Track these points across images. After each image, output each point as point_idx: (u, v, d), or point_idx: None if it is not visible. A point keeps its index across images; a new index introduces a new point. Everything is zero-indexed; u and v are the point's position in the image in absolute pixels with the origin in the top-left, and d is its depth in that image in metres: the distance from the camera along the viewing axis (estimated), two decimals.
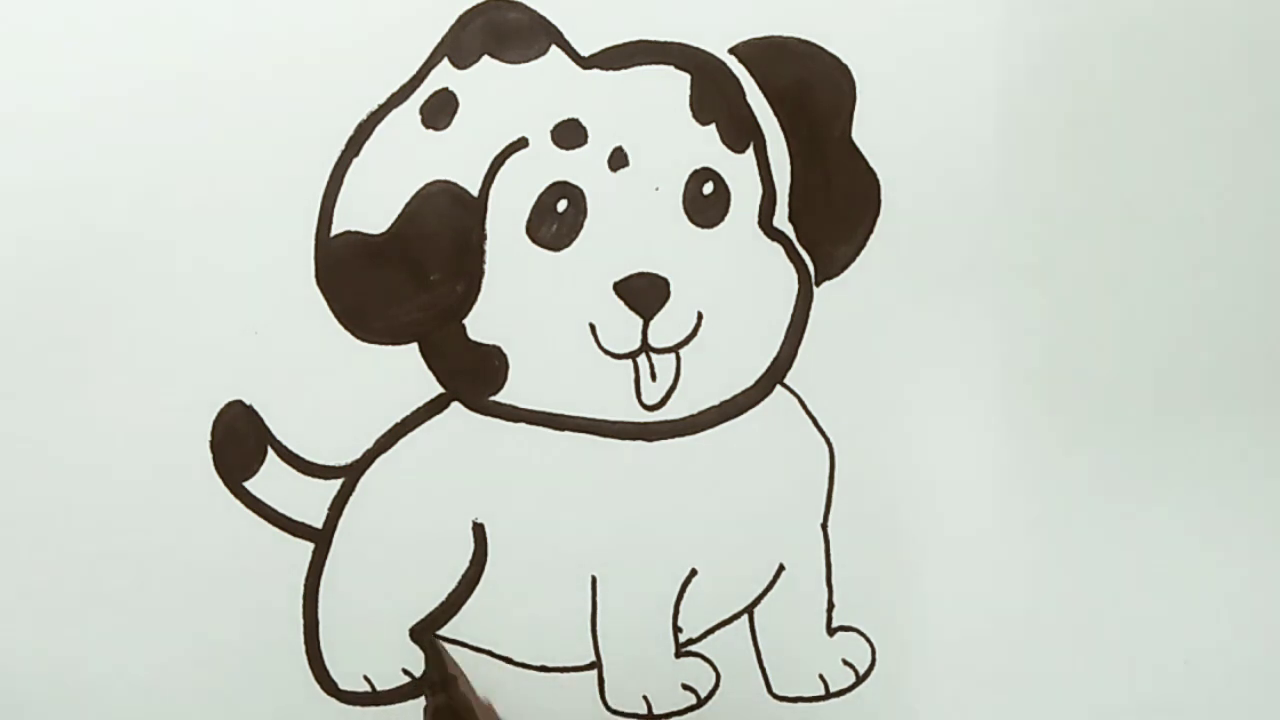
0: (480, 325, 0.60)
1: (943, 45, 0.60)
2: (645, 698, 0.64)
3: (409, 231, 0.59)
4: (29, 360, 0.60)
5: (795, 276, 0.61)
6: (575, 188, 0.59)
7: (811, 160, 0.61)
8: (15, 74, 0.58)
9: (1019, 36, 0.60)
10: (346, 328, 0.60)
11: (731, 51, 0.60)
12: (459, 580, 0.62)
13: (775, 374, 0.62)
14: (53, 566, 0.61)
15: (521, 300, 0.60)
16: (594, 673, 0.63)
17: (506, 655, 0.63)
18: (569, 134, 0.59)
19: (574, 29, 0.59)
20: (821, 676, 0.64)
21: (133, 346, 0.60)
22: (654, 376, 0.61)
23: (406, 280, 0.60)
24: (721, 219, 0.60)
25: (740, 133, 0.60)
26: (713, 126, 0.60)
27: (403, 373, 0.60)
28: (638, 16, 0.59)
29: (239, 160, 0.59)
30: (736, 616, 0.64)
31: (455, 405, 0.61)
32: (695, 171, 0.60)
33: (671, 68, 0.60)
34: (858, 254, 0.61)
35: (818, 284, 0.61)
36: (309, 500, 0.61)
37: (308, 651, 0.62)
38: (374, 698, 0.63)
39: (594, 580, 0.63)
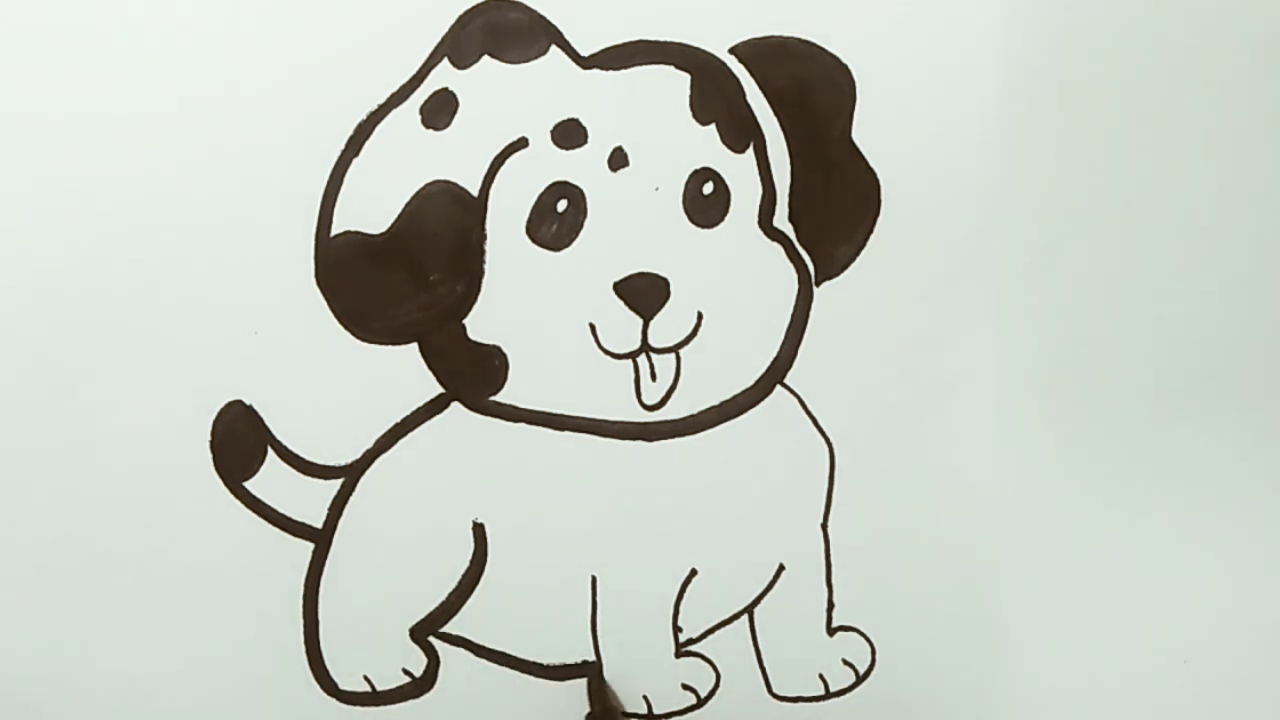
0: (480, 325, 0.60)
1: (943, 45, 0.60)
2: (645, 698, 0.64)
3: (409, 231, 0.59)
4: (29, 361, 0.60)
5: (795, 276, 0.61)
6: (575, 188, 0.59)
7: (811, 160, 0.61)
8: (15, 75, 0.58)
9: (1019, 36, 0.60)
10: (346, 328, 0.60)
11: (731, 51, 0.60)
12: (459, 580, 0.62)
13: (775, 374, 0.62)
14: (53, 566, 0.61)
15: (521, 300, 0.60)
16: (594, 672, 0.63)
17: (507, 655, 0.63)
18: (569, 134, 0.59)
19: (574, 29, 0.59)
20: (821, 676, 0.64)
21: (133, 346, 0.60)
22: (654, 376, 0.61)
23: (406, 280, 0.60)
24: (721, 219, 0.60)
25: (740, 133, 0.60)
26: (713, 126, 0.60)
27: (403, 373, 0.60)
28: (638, 16, 0.59)
29: (239, 160, 0.59)
30: (736, 616, 0.64)
31: (455, 405, 0.61)
32: (695, 171, 0.60)
33: (671, 68, 0.60)
34: (858, 254, 0.61)
35: (818, 284, 0.61)
36: (309, 500, 0.61)
37: (308, 651, 0.62)
38: (374, 698, 0.63)
39: (594, 580, 0.63)
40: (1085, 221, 0.62)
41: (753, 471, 0.62)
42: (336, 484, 0.61)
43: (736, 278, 0.61)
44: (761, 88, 0.60)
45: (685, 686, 0.64)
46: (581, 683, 0.63)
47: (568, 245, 0.60)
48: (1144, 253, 0.62)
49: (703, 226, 0.60)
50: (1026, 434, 0.63)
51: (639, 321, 0.60)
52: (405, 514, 0.62)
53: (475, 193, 0.59)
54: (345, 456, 0.61)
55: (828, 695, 0.64)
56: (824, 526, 0.63)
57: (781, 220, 0.61)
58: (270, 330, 0.60)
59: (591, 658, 0.63)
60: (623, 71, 0.59)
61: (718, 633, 0.64)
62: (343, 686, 0.63)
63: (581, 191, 0.59)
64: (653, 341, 0.60)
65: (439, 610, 0.62)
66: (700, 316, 0.60)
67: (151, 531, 0.61)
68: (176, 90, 0.59)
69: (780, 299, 0.61)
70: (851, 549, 0.63)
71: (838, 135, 0.61)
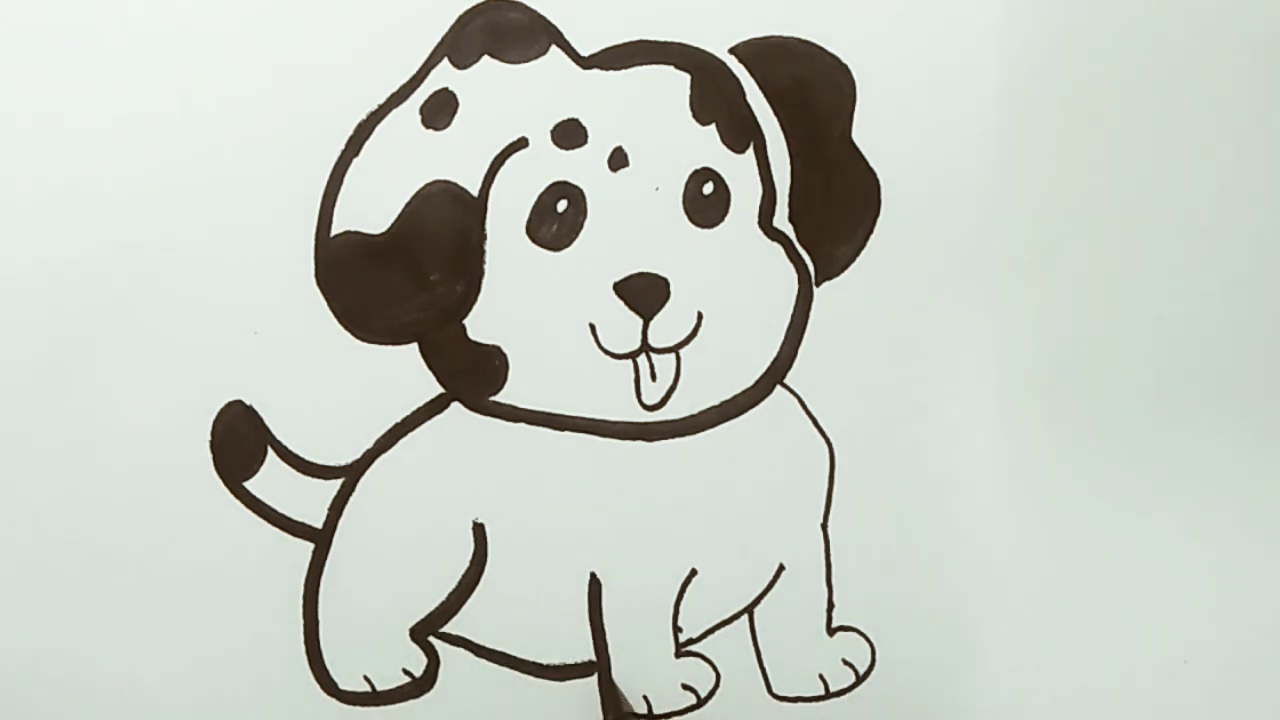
0: (480, 325, 0.60)
1: (943, 45, 0.60)
2: (645, 698, 0.64)
3: (409, 231, 0.59)
4: (29, 360, 0.60)
5: (795, 276, 0.61)
6: (575, 188, 0.59)
7: (811, 160, 0.61)
8: (15, 75, 0.58)
9: (1019, 36, 0.60)
10: (346, 328, 0.60)
11: (731, 51, 0.60)
12: (459, 580, 0.62)
13: (775, 374, 0.62)
14: (53, 566, 0.61)
15: (521, 300, 0.60)
16: (594, 672, 0.63)
17: (507, 655, 0.63)
18: (569, 134, 0.59)
19: (574, 29, 0.59)
20: (821, 676, 0.64)
21: (133, 346, 0.60)
22: (654, 376, 0.61)
23: (406, 280, 0.60)
24: (721, 219, 0.60)
25: (740, 133, 0.60)
26: (713, 126, 0.60)
27: (403, 373, 0.60)
28: (638, 16, 0.59)
29: (239, 160, 0.59)
30: (736, 616, 0.64)
31: (455, 405, 0.61)
32: (695, 171, 0.60)
33: (671, 68, 0.60)
34: (858, 254, 0.61)
35: (818, 284, 0.61)
36: (309, 500, 0.61)
37: (308, 651, 0.62)
38: (374, 698, 0.63)
39: (594, 580, 0.63)
40: (1085, 221, 0.62)
41: (753, 471, 0.62)
42: (336, 484, 0.61)
43: (736, 278, 0.61)
44: (761, 88, 0.60)
45: (685, 686, 0.64)
46: (581, 682, 0.63)
47: (568, 245, 0.60)
48: (1144, 252, 0.62)
49: (703, 226, 0.60)
50: (1026, 434, 0.63)
51: (639, 321, 0.60)
52: (405, 514, 0.62)
53: (475, 193, 0.59)
54: (345, 456, 0.61)
55: (828, 695, 0.64)
56: (824, 526, 0.63)
57: (781, 220, 0.61)
58: (270, 330, 0.60)
59: (591, 658, 0.63)
60: (623, 71, 0.59)
61: (718, 633, 0.64)
62: (343, 686, 0.63)
63: (581, 191, 0.59)
64: (653, 341, 0.60)
65: (439, 610, 0.62)
66: (700, 316, 0.60)
67: (151, 531, 0.61)
68: (176, 90, 0.59)
69: (780, 299, 0.61)
70: (851, 549, 0.63)
71: (838, 135, 0.61)
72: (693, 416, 0.62)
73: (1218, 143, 0.61)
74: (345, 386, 0.60)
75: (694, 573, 0.63)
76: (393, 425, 0.61)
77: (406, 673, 0.63)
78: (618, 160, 0.59)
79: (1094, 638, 0.64)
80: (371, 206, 0.59)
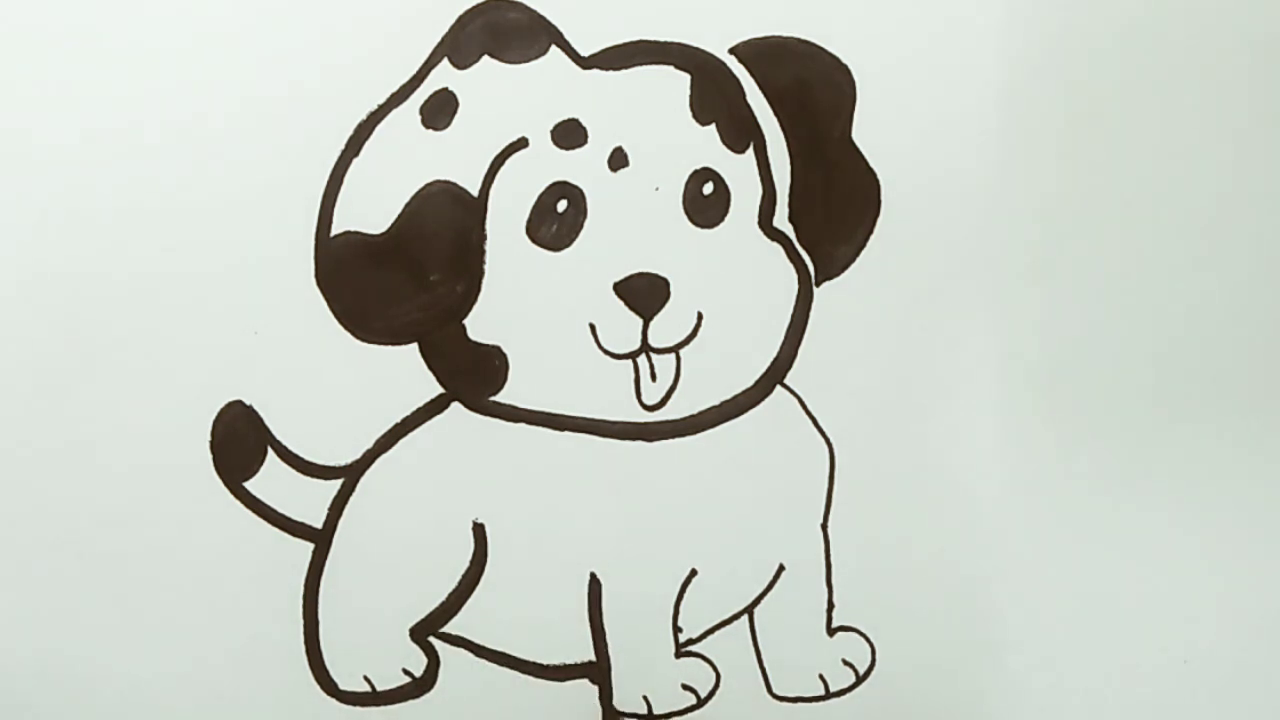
0: (480, 325, 0.60)
1: (943, 46, 0.60)
2: (645, 698, 0.64)
3: (409, 231, 0.59)
4: (30, 361, 0.60)
5: (795, 276, 0.61)
6: (575, 188, 0.59)
7: (811, 160, 0.61)
8: (16, 75, 0.58)
9: (1019, 36, 0.60)
10: (346, 328, 0.60)
11: (731, 51, 0.60)
12: (459, 580, 0.62)
13: (775, 374, 0.62)
14: (53, 567, 0.61)
15: (521, 300, 0.60)
16: (594, 672, 0.63)
17: (507, 655, 0.63)
18: (569, 134, 0.59)
19: (574, 29, 0.59)
20: (821, 676, 0.64)
21: (133, 346, 0.60)
22: (654, 376, 0.61)
23: (406, 280, 0.60)
24: (721, 219, 0.60)
25: (740, 133, 0.60)
26: (713, 126, 0.60)
27: (403, 373, 0.60)
28: (638, 16, 0.59)
29: (239, 160, 0.59)
30: (736, 616, 0.64)
31: (455, 405, 0.61)
32: (695, 171, 0.60)
33: (671, 68, 0.60)
34: (858, 254, 0.61)
35: (818, 284, 0.61)
36: (309, 500, 0.61)
37: (308, 651, 0.62)
38: (374, 698, 0.63)
39: (594, 580, 0.63)
40: (1085, 221, 0.62)
41: (753, 471, 0.62)
42: (336, 484, 0.61)
43: (736, 278, 0.61)
44: (761, 88, 0.60)
45: (685, 686, 0.64)
46: (582, 683, 0.63)
47: (568, 245, 0.60)
48: (1144, 252, 0.62)
49: (703, 226, 0.60)
50: (1026, 434, 0.63)
51: (639, 321, 0.60)
52: (405, 514, 0.62)
53: (475, 193, 0.59)
54: (345, 456, 0.61)
55: (828, 695, 0.64)
56: (824, 527, 0.63)
57: (781, 220, 0.61)
58: (270, 330, 0.60)
59: (591, 658, 0.63)
60: (623, 71, 0.59)
61: (718, 633, 0.64)
62: (343, 686, 0.63)
63: (581, 191, 0.59)
64: (653, 341, 0.60)
65: (439, 610, 0.62)
66: (700, 316, 0.60)
67: (152, 532, 0.61)
68: (177, 91, 0.58)
69: (780, 299, 0.61)
70: (851, 549, 0.63)
71: (838, 135, 0.61)
72: (693, 416, 0.62)
73: (1218, 143, 0.61)
74: (345, 386, 0.60)
75: (694, 573, 0.63)
76: (393, 425, 0.61)
77: (406, 673, 0.63)
78: (618, 160, 0.59)
79: (1094, 637, 0.64)
80: (371, 206, 0.59)
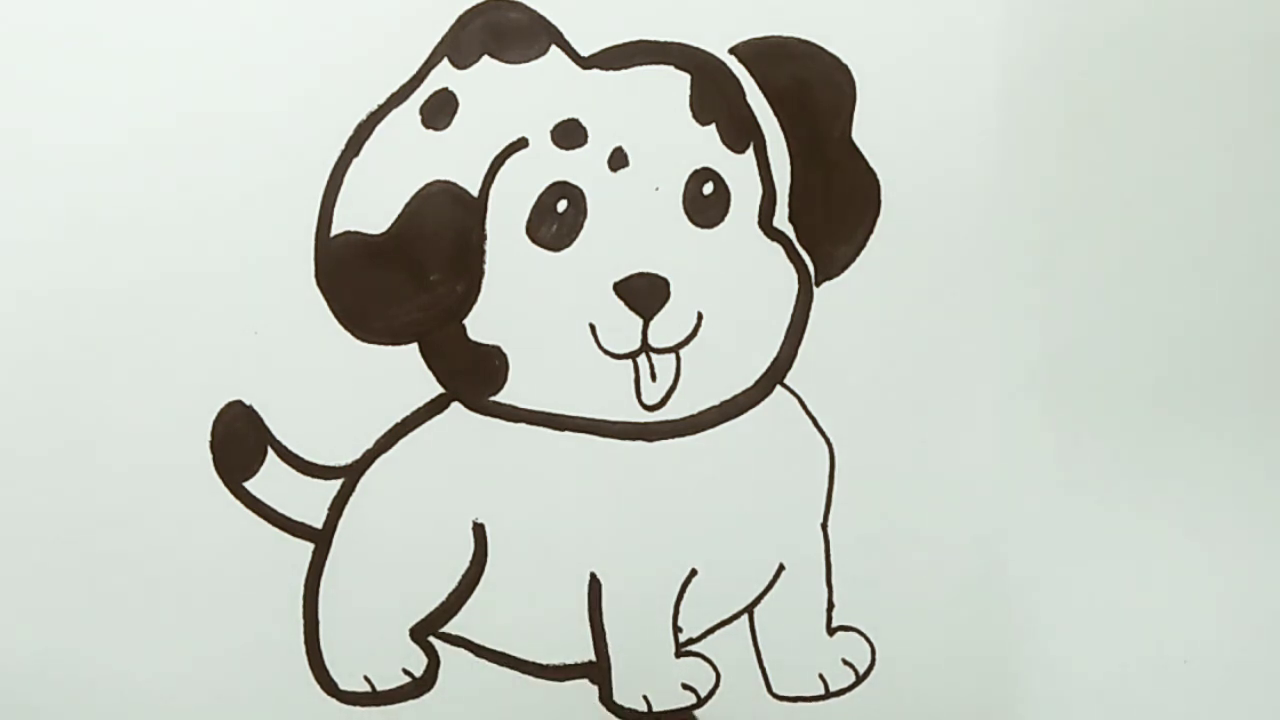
0: (480, 325, 0.60)
1: (943, 45, 0.60)
2: (645, 697, 0.64)
3: (409, 231, 0.59)
4: (30, 361, 0.60)
5: (795, 276, 0.61)
6: (575, 188, 0.59)
7: (811, 160, 0.61)
8: (16, 75, 0.58)
9: (1019, 36, 0.60)
10: (346, 328, 0.60)
11: (731, 51, 0.60)
12: (459, 580, 0.62)
13: (775, 374, 0.62)
14: (53, 567, 0.61)
15: (521, 300, 0.60)
16: (594, 672, 0.63)
17: (507, 655, 0.63)
18: (569, 134, 0.59)
19: (574, 29, 0.59)
20: (821, 676, 0.64)
21: (133, 347, 0.60)
22: (654, 376, 0.61)
23: (406, 280, 0.60)
24: (721, 219, 0.60)
25: (740, 133, 0.60)
26: (713, 126, 0.60)
27: (403, 373, 0.60)
28: (638, 16, 0.59)
29: (240, 160, 0.59)
30: (736, 616, 0.64)
31: (455, 405, 0.61)
32: (695, 171, 0.60)
33: (671, 68, 0.60)
34: (858, 254, 0.61)
35: (818, 284, 0.61)
36: (309, 500, 0.61)
37: (308, 651, 0.62)
38: (374, 698, 0.63)
39: (594, 580, 0.63)
40: (1085, 221, 0.62)
41: (753, 471, 0.62)
42: (336, 484, 0.61)
43: (736, 278, 0.61)
44: (761, 88, 0.60)
45: (685, 686, 0.64)
46: (582, 683, 0.63)
47: (568, 245, 0.60)
48: (1144, 252, 0.62)
49: (703, 226, 0.60)
50: (1026, 434, 0.63)
51: (639, 321, 0.60)
52: (405, 514, 0.62)
53: (475, 193, 0.59)
54: (345, 456, 0.61)
55: (828, 695, 0.64)
56: (824, 526, 0.63)
57: (781, 220, 0.61)
58: (270, 330, 0.60)
59: (591, 658, 0.63)
60: (623, 71, 0.59)
61: (718, 633, 0.64)
62: (343, 686, 0.63)
63: (581, 191, 0.59)
64: (653, 341, 0.60)
65: (439, 610, 0.62)
66: (700, 316, 0.60)
67: (152, 532, 0.61)
68: (177, 91, 0.59)
69: (780, 299, 0.61)
70: (851, 549, 0.63)
71: (838, 135, 0.61)
72: (693, 416, 0.62)
73: (1218, 143, 0.61)
74: (345, 386, 0.60)
75: (694, 573, 0.63)
76: (393, 425, 0.61)
77: (406, 673, 0.63)
78: (618, 160, 0.59)
79: (1094, 637, 0.64)
80: (371, 206, 0.59)
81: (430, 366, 0.61)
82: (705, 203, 0.60)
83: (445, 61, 0.59)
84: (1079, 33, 0.60)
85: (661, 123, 0.60)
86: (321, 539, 0.62)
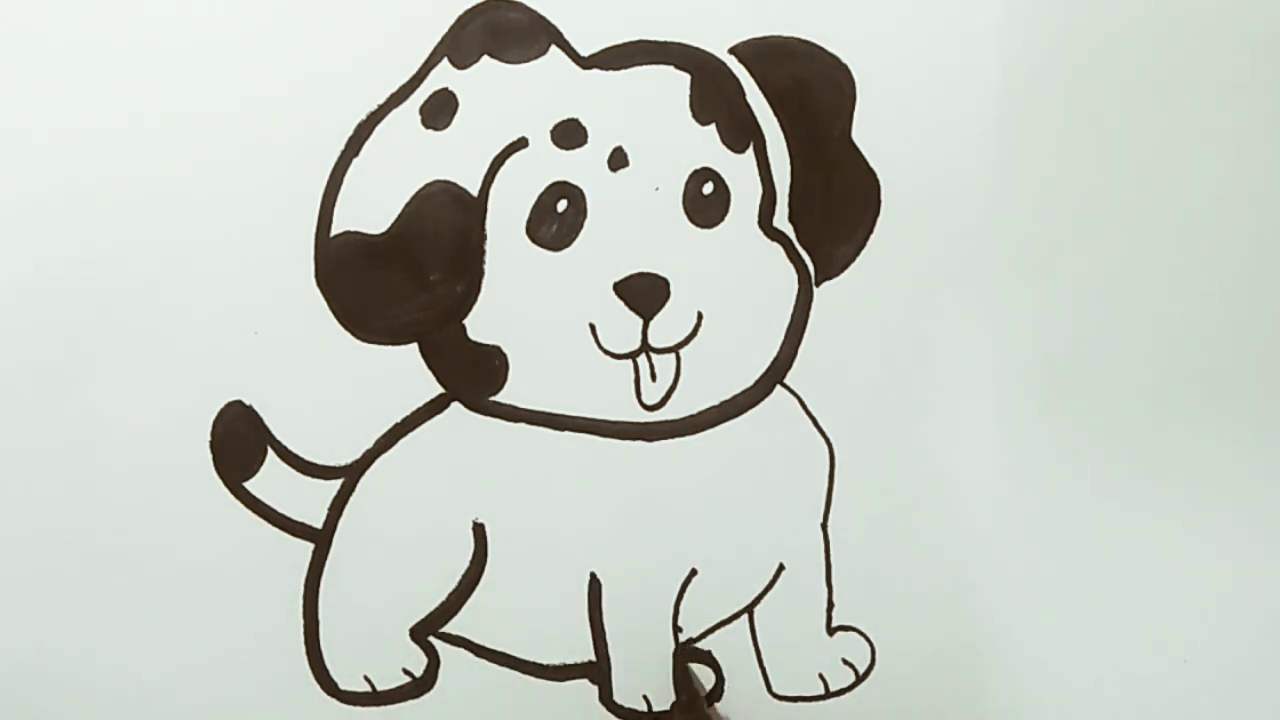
0: (480, 325, 0.60)
1: (943, 45, 0.60)
2: (645, 697, 0.64)
3: (409, 231, 0.59)
4: (30, 360, 0.60)
5: (795, 276, 0.61)
6: (575, 188, 0.59)
7: (811, 160, 0.61)
8: (16, 74, 0.58)
9: (1019, 36, 0.60)
10: (346, 328, 0.60)
11: (731, 51, 0.60)
12: (459, 580, 0.62)
13: (775, 374, 0.62)
14: (53, 566, 0.61)
15: (521, 300, 0.60)
16: (594, 672, 0.63)
17: (507, 655, 0.63)
18: (569, 134, 0.59)
19: (574, 29, 0.59)
20: (821, 676, 0.64)
21: (133, 346, 0.60)
22: (654, 376, 0.61)
23: (406, 280, 0.60)
24: (721, 219, 0.60)
25: (740, 133, 0.60)
26: (713, 126, 0.60)
27: (403, 373, 0.60)
28: (638, 16, 0.59)
29: (239, 160, 0.59)
30: (736, 616, 0.64)
31: (455, 405, 0.61)
32: (695, 171, 0.60)
33: (671, 68, 0.60)
34: (858, 254, 0.61)
35: (818, 284, 0.61)
36: (309, 500, 0.61)
37: (308, 651, 0.62)
38: (374, 698, 0.63)
39: (594, 580, 0.63)
40: (1085, 221, 0.62)
41: (753, 471, 0.62)
42: (336, 484, 0.61)
43: (736, 278, 0.61)
44: (761, 88, 0.60)
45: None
46: (582, 683, 0.63)
47: (568, 245, 0.60)
48: (1144, 252, 0.62)
49: (703, 226, 0.60)
50: (1026, 434, 0.63)
51: (639, 321, 0.60)
52: (405, 514, 0.62)
53: (475, 193, 0.59)
54: (345, 456, 0.61)
55: (828, 695, 0.64)
56: (824, 526, 0.63)
57: (781, 220, 0.61)
58: (270, 330, 0.60)
59: (591, 658, 0.63)
60: (623, 71, 0.59)
61: (718, 632, 0.64)
62: (343, 686, 0.63)
63: (581, 191, 0.59)
64: (653, 341, 0.60)
65: (439, 610, 0.62)
66: (700, 316, 0.60)
67: (152, 532, 0.61)
68: (176, 91, 0.59)
69: (780, 299, 0.61)
70: (851, 549, 0.63)
71: (838, 135, 0.61)
72: (693, 416, 0.62)
73: (1218, 143, 0.61)
74: (345, 386, 0.60)
75: (694, 573, 0.63)
76: (393, 425, 0.61)
77: (406, 673, 0.63)
78: (618, 160, 0.59)
79: (1094, 637, 0.64)
80: (371, 206, 0.59)
81: (430, 366, 0.61)
82: (705, 203, 0.60)
83: (445, 61, 0.59)
84: (1079, 33, 0.60)
85: (661, 123, 0.60)
86: (321, 539, 0.62)
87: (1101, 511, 0.63)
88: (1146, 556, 0.64)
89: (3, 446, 0.60)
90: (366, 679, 0.63)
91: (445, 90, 0.59)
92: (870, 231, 0.61)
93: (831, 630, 0.64)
